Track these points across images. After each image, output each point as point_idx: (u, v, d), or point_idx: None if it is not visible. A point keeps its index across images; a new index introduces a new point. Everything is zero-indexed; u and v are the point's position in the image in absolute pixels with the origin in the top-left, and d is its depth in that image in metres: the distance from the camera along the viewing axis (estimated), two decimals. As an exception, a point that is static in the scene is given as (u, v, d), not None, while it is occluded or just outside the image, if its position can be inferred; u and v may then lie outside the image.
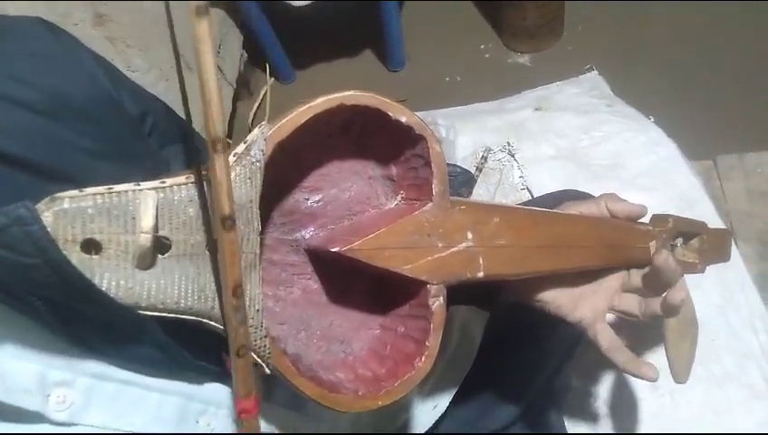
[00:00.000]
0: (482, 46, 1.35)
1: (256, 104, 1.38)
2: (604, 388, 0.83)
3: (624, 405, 0.81)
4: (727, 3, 1.25)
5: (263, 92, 1.39)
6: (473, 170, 1.06)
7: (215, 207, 0.26)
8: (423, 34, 1.40)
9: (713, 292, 0.87)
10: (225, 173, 0.26)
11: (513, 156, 1.05)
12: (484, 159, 1.07)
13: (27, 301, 0.27)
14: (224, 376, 0.37)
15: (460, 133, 1.10)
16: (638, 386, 0.81)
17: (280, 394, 0.42)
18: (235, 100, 1.34)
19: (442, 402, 0.64)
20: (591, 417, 0.81)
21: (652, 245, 0.48)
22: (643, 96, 1.13)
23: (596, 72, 1.21)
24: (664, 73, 1.19)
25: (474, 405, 0.61)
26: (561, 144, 1.06)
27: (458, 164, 1.05)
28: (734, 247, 0.92)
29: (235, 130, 1.33)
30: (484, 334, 0.62)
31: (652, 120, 1.08)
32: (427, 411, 0.64)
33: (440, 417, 0.62)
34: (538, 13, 1.21)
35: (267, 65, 1.39)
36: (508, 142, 1.06)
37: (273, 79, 1.41)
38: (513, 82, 1.25)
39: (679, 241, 0.54)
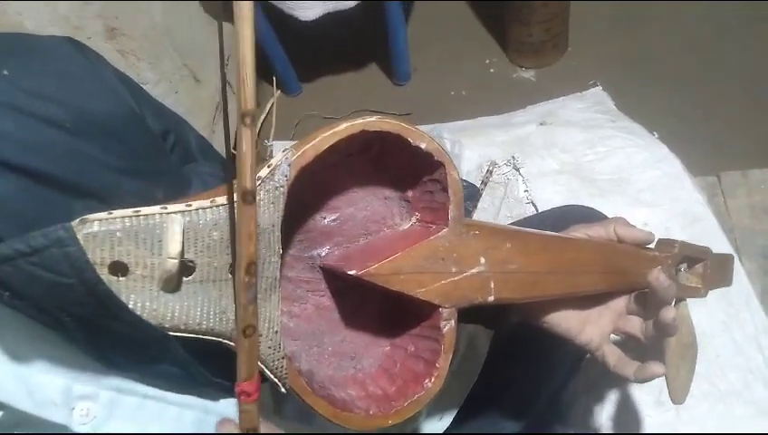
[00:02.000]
0: (487, 61, 1.37)
1: (263, 116, 1.39)
2: (609, 404, 0.83)
3: (629, 421, 0.81)
4: (732, 19, 1.26)
5: (269, 104, 1.41)
6: (478, 184, 1.07)
7: (237, 181, 0.27)
8: (429, 48, 1.41)
9: (717, 308, 0.88)
10: (250, 147, 0.26)
11: (517, 170, 1.06)
12: (490, 172, 1.08)
13: (58, 318, 0.28)
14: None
15: (465, 147, 1.11)
16: (644, 402, 0.82)
17: (289, 408, 0.42)
18: (242, 111, 1.35)
19: (448, 414, 0.64)
20: (597, 433, 0.81)
21: (657, 270, 0.49)
22: (647, 112, 1.14)
23: (600, 87, 1.23)
24: (668, 90, 1.20)
25: (480, 418, 0.61)
26: (565, 159, 1.07)
27: (463, 178, 1.06)
28: (738, 264, 0.93)
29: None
30: (490, 347, 0.62)
31: (656, 135, 1.09)
32: (433, 423, 0.65)
33: (446, 429, 0.62)
34: (543, 28, 1.22)
35: (274, 78, 1.40)
36: (513, 156, 1.07)
37: (279, 91, 1.43)
38: (518, 96, 1.26)
39: (683, 266, 0.55)
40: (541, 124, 1.13)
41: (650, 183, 1.01)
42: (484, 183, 1.08)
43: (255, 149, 0.27)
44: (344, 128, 0.32)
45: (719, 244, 0.92)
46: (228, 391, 0.37)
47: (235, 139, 0.27)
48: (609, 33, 1.33)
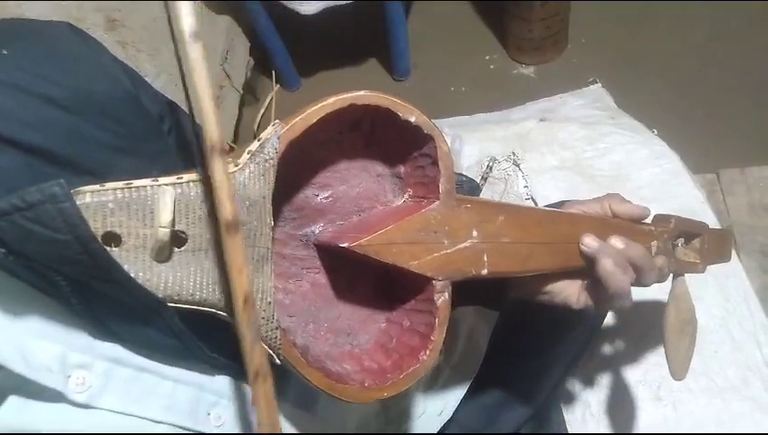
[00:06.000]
0: (487, 57, 1.37)
1: (262, 110, 1.39)
2: (607, 398, 0.82)
3: (626, 416, 0.81)
4: (731, 16, 1.26)
5: (268, 99, 1.41)
6: (478, 180, 1.07)
7: (216, 212, 0.26)
8: (429, 44, 1.41)
9: (715, 304, 0.88)
10: (224, 176, 0.26)
11: (517, 166, 1.06)
12: (490, 168, 1.08)
13: (52, 280, 0.28)
14: (236, 371, 0.38)
15: (465, 143, 1.11)
16: (641, 397, 0.81)
17: (291, 393, 0.42)
18: (241, 105, 1.35)
19: (447, 409, 0.64)
20: (594, 428, 0.81)
21: (653, 245, 0.49)
22: (646, 109, 1.14)
23: (599, 84, 1.23)
24: (667, 87, 1.21)
25: (480, 411, 0.61)
26: (565, 155, 1.07)
27: (463, 173, 1.06)
28: (737, 260, 0.93)
29: (240, 136, 1.34)
30: (490, 340, 0.62)
31: (655, 132, 1.09)
32: (433, 419, 0.65)
33: (446, 423, 0.62)
34: (543, 25, 1.22)
35: (273, 72, 1.40)
36: (513, 152, 1.07)
37: (278, 85, 1.43)
38: (518, 93, 1.26)
39: (680, 241, 0.55)
40: (541, 120, 1.13)
41: (650, 180, 1.01)
42: (484, 179, 1.08)
43: (228, 178, 0.26)
44: (332, 101, 0.32)
45: (718, 240, 0.92)
46: (224, 368, 0.37)
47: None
48: (608, 30, 1.33)
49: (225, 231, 0.26)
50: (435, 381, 0.69)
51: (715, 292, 0.88)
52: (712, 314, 0.87)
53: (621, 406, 0.82)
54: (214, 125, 0.26)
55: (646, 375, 0.83)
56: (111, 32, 1.03)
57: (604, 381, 0.83)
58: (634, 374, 0.83)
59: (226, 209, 0.26)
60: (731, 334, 0.86)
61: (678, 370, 0.52)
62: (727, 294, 0.88)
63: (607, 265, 0.40)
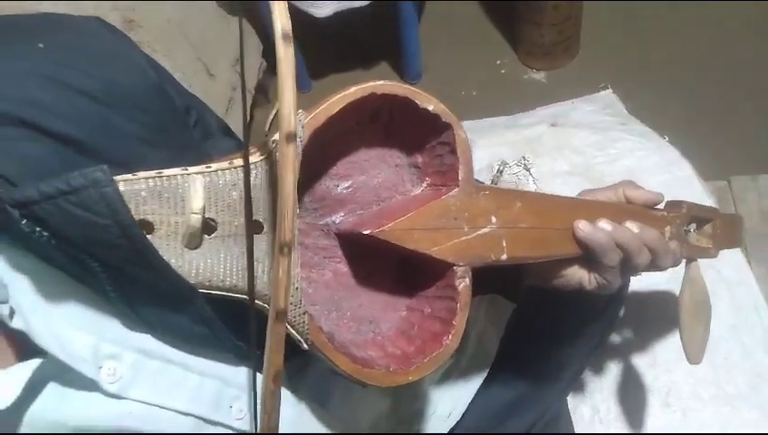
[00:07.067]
0: (498, 62, 1.37)
1: (273, 111, 1.39)
2: (615, 404, 0.82)
3: (635, 422, 0.81)
4: (743, 24, 1.27)
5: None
6: (488, 183, 1.07)
7: (270, 301, 0.27)
8: (440, 48, 1.42)
9: (726, 312, 0.87)
10: (286, 274, 0.27)
11: (528, 170, 1.06)
12: (500, 172, 1.08)
13: (89, 266, 0.28)
14: (259, 361, 0.38)
15: (476, 147, 1.11)
16: (650, 403, 0.81)
17: (305, 387, 0.42)
18: (253, 107, 1.36)
19: (457, 410, 0.64)
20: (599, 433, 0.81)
21: (666, 230, 0.50)
22: (657, 115, 1.14)
23: (610, 90, 1.23)
24: (678, 93, 1.21)
25: (489, 412, 0.61)
26: (576, 160, 1.07)
27: (474, 177, 1.06)
28: (747, 268, 0.92)
29: (252, 137, 1.35)
30: (503, 335, 0.62)
31: (667, 139, 1.09)
32: (442, 419, 0.65)
33: (455, 425, 0.62)
34: (555, 30, 1.23)
35: (285, 74, 1.41)
36: (524, 157, 1.07)
37: (290, 88, 1.44)
38: (529, 97, 1.27)
39: (692, 227, 0.55)
40: (552, 125, 1.13)
41: (660, 186, 0.98)
42: (495, 183, 1.09)
43: (290, 276, 0.27)
44: (354, 91, 0.33)
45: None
46: (247, 358, 0.37)
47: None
48: (620, 36, 1.34)
49: (273, 318, 0.27)
50: (444, 383, 0.69)
51: (726, 300, 0.88)
52: (723, 323, 0.86)
53: (630, 412, 0.81)
54: (290, 225, 0.26)
55: (655, 381, 0.82)
56: (128, 32, 1.04)
57: (613, 385, 0.83)
58: (643, 380, 0.83)
59: (280, 302, 0.27)
60: (741, 342, 0.85)
61: (694, 354, 0.52)
62: (738, 303, 0.88)
63: (602, 241, 0.42)
